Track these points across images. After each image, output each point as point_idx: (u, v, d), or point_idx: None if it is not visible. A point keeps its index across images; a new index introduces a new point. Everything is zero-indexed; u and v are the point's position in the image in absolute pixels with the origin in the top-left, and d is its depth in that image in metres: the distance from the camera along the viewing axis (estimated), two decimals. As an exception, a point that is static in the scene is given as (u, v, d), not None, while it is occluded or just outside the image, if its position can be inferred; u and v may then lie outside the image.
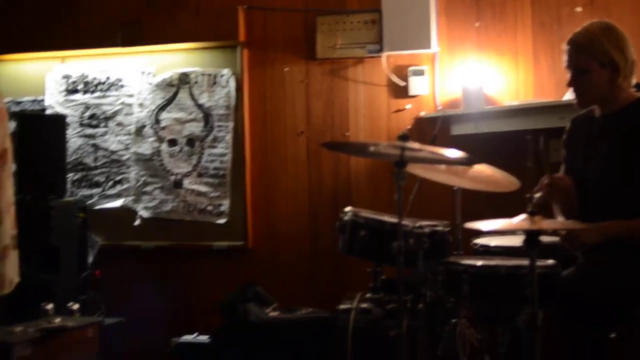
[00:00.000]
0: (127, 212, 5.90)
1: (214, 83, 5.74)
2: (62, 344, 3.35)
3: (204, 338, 5.09)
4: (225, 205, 5.72)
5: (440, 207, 4.92)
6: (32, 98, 6.05)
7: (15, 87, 5.32)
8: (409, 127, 5.41)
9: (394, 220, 3.66)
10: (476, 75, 5.25)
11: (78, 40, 5.96)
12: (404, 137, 3.37)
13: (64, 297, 4.90)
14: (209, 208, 5.74)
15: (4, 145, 4.04)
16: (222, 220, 5.72)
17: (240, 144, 5.70)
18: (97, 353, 3.58)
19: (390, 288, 4.09)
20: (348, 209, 3.93)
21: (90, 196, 5.93)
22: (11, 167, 4.11)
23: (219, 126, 5.73)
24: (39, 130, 5.21)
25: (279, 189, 5.75)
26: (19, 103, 6.05)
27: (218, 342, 4.36)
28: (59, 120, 5.49)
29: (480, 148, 4.57)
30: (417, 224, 3.72)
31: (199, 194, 5.76)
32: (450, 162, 3.82)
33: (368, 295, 4.19)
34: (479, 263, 3.47)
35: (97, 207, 5.91)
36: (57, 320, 3.49)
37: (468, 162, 3.71)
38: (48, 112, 5.97)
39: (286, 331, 4.13)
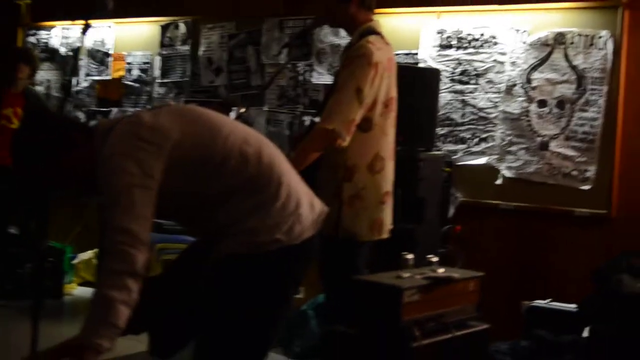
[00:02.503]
0: (489, 171, 5.87)
1: (591, 44, 5.53)
2: (446, 294, 3.42)
3: (558, 304, 5.00)
4: (591, 171, 5.53)
5: None
6: (406, 51, 6.17)
7: (392, 40, 5.38)
8: None
9: None
10: None
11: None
12: None
13: (424, 248, 5.00)
14: (574, 173, 5.58)
15: (390, 94, 4.15)
16: (586, 187, 5.55)
17: (613, 109, 5.48)
18: (477, 305, 3.62)
19: None
20: None
21: (455, 152, 5.97)
22: (394, 116, 4.22)
23: (592, 89, 5.53)
24: (414, 83, 5.29)
25: (650, 159, 5.48)
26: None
27: (585, 312, 4.24)
28: (434, 75, 5.56)
29: None
30: None
31: (565, 157, 5.61)
32: None
33: None
34: None
35: (461, 163, 5.95)
36: (441, 270, 3.56)
37: None
38: (421, 65, 6.05)
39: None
